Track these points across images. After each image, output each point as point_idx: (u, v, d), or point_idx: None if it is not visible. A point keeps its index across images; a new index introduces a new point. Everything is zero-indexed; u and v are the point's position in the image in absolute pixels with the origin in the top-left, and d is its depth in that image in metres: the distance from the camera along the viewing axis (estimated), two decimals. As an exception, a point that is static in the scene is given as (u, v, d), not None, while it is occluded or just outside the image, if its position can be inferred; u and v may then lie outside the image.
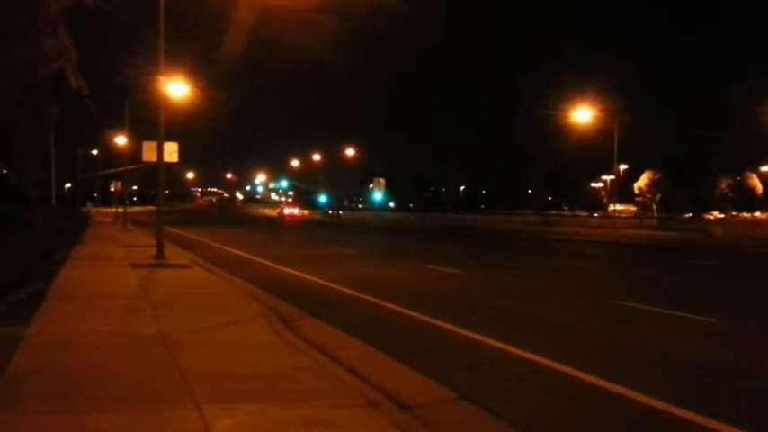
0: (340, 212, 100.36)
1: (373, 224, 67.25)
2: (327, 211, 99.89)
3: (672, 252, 30.66)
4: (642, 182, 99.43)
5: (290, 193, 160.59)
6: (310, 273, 16.73)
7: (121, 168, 48.86)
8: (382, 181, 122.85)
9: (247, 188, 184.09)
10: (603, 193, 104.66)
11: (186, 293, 11.95)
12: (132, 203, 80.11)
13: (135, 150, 35.58)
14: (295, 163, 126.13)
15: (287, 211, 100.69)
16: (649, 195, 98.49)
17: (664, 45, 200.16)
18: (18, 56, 10.03)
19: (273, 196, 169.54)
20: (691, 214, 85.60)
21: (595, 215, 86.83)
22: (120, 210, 50.33)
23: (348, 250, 26.05)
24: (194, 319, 9.31)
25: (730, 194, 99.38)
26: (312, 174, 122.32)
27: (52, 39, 10.54)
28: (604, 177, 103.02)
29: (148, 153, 19.25)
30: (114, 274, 14.81)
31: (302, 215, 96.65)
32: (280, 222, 68.90)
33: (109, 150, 58.95)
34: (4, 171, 14.05)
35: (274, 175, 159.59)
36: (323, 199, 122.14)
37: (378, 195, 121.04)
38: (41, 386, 5.89)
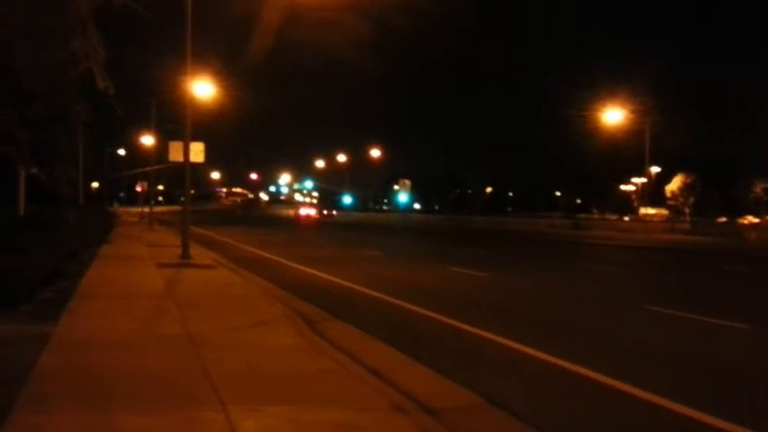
0: (334, 212, 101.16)
1: (398, 226, 67.15)
2: (322, 211, 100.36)
3: (705, 257, 30.12)
4: (674, 185, 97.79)
5: (315, 193, 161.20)
6: (334, 274, 16.69)
7: (148, 168, 49.39)
8: (408, 182, 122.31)
9: (272, 189, 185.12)
10: (634, 197, 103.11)
11: (211, 294, 11.99)
12: (158, 203, 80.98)
13: (161, 150, 36.02)
14: (320, 163, 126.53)
15: (303, 212, 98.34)
16: (682, 199, 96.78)
17: (698, 43, 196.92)
18: (47, 56, 10.14)
19: (298, 197, 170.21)
20: (724, 218, 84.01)
21: (626, 219, 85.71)
22: (146, 209, 50.88)
23: (373, 252, 26.00)
24: (219, 319, 9.33)
25: (765, 198, 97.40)
26: (337, 174, 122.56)
27: (81, 39, 10.63)
28: (635, 180, 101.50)
29: (175, 153, 19.38)
30: (140, 274, 14.93)
31: (325, 215, 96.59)
32: (300, 224, 69.05)
33: (135, 150, 59.67)
34: (35, 171, 14.23)
35: (299, 175, 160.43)
36: (347, 200, 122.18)
37: (403, 197, 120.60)
38: (69, 385, 5.92)
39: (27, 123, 10.72)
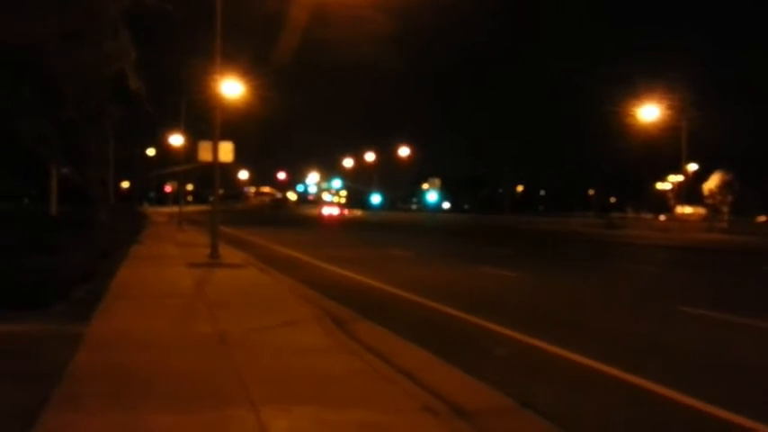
0: (346, 211, 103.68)
1: (427, 225, 67.02)
2: (342, 210, 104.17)
3: (743, 257, 29.48)
4: (712, 183, 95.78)
5: (343, 192, 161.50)
6: (363, 274, 16.66)
7: (177, 168, 49.85)
8: (437, 181, 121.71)
9: (300, 188, 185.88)
10: (671, 195, 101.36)
11: (240, 293, 12.04)
12: (187, 203, 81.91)
13: (190, 150, 36.29)
14: (348, 162, 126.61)
15: (326, 211, 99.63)
16: (719, 197, 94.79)
17: (737, 37, 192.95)
18: (79, 57, 10.25)
19: (326, 196, 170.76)
20: (764, 218, 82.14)
21: (662, 218, 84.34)
22: (176, 209, 51.38)
23: (401, 252, 25.92)
24: (249, 318, 9.34)
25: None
26: (365, 173, 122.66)
27: (113, 40, 10.74)
28: (672, 178, 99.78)
29: (204, 153, 19.51)
30: (171, 274, 15.06)
31: (343, 215, 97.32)
32: (327, 223, 69.27)
33: (165, 150, 60.22)
34: (67, 171, 14.47)
35: (327, 174, 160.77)
36: (376, 199, 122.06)
37: (432, 196, 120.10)
38: (101, 383, 5.96)
39: (59, 124, 10.86)
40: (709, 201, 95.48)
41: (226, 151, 19.36)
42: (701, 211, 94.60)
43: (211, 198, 22.22)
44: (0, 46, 9.80)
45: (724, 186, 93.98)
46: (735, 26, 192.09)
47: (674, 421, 5.85)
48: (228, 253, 20.35)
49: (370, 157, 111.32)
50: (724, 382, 7.12)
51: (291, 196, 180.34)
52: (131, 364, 6.64)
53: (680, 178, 73.68)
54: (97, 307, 9.76)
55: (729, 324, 10.65)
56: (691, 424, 5.78)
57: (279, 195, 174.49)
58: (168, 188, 60.20)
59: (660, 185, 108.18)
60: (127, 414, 5.10)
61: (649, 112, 48.39)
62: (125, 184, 71.70)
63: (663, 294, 15.18)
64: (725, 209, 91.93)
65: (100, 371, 6.41)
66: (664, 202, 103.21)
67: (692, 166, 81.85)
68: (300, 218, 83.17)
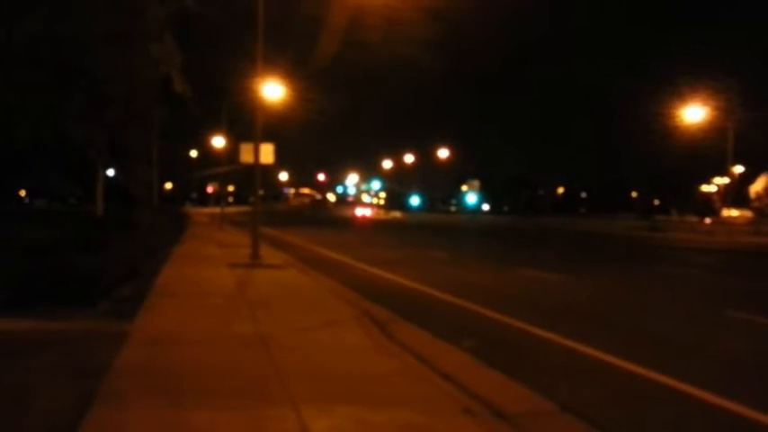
0: (367, 213, 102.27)
1: (466, 227, 66.68)
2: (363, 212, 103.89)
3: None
4: (759, 185, 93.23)
5: (382, 194, 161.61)
6: (402, 276, 16.64)
7: (219, 169, 50.49)
8: (476, 183, 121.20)
9: (339, 189, 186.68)
10: (716, 198, 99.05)
11: (281, 294, 12.15)
12: (228, 204, 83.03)
13: (232, 151, 36.73)
14: (387, 163, 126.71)
15: (359, 212, 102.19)
16: (766, 200, 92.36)
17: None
18: (126, 60, 10.48)
19: (365, 197, 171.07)
20: None
21: (707, 221, 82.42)
22: (217, 210, 52.06)
23: (441, 253, 25.82)
24: (289, 319, 9.43)
25: None
26: (405, 174, 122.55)
27: (159, 44, 10.94)
28: (717, 180, 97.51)
29: (246, 154, 19.71)
30: (212, 274, 15.27)
31: (374, 216, 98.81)
32: (360, 223, 69.67)
33: (206, 151, 61.04)
34: (113, 172, 14.82)
35: (366, 175, 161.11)
36: (415, 201, 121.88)
37: (471, 197, 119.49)
38: (145, 381, 6.08)
39: (106, 126, 11.10)
40: (756, 204, 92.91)
41: (266, 153, 19.53)
42: (747, 214, 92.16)
43: (252, 199, 22.43)
44: (49, 49, 10.08)
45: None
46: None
47: (715, 424, 5.74)
48: (269, 254, 20.55)
49: (409, 158, 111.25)
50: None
51: (331, 197, 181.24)
52: (174, 362, 6.76)
53: (725, 181, 71.95)
54: (141, 305, 9.95)
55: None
56: (732, 425, 5.66)
57: (318, 197, 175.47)
58: (210, 189, 61.00)
59: (705, 188, 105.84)
60: (170, 410, 5.20)
61: (694, 113, 47.30)
62: (168, 185, 73.06)
63: (708, 298, 14.83)
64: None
65: (144, 368, 6.53)
66: (709, 205, 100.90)
67: (738, 169, 79.74)
68: (340, 219, 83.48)
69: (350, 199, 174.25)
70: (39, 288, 9.22)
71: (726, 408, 6.12)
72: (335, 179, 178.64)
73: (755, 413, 5.94)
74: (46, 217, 32.23)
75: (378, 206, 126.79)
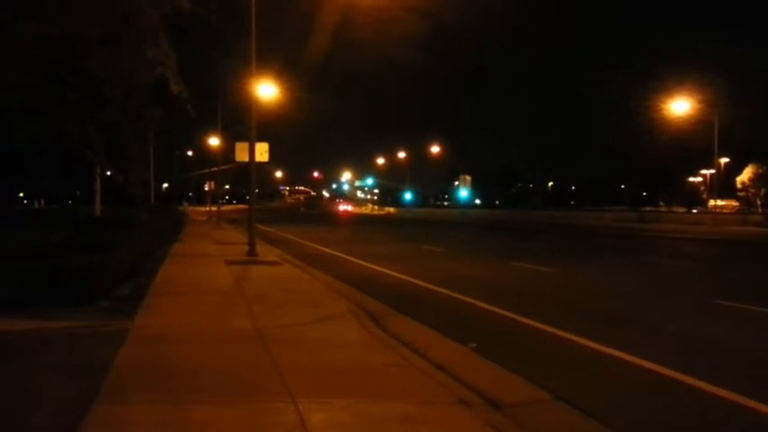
0: (349, 208, 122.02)
1: (459, 221, 66.83)
2: (344, 206, 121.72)
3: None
4: (745, 176, 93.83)
5: (376, 190, 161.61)
6: (397, 270, 16.77)
7: (215, 168, 50.57)
8: (468, 178, 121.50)
9: (333, 186, 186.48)
10: (703, 188, 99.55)
11: (277, 289, 12.26)
12: (225, 202, 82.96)
13: (227, 150, 36.83)
14: (380, 161, 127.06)
15: (342, 207, 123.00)
16: (753, 190, 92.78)
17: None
18: (121, 62, 10.57)
19: (359, 194, 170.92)
20: None
21: (694, 211, 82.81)
22: (214, 208, 52.12)
23: (435, 247, 25.99)
24: (286, 314, 9.54)
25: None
26: (397, 171, 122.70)
27: (154, 46, 11.04)
28: (704, 172, 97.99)
29: (241, 153, 19.86)
30: (210, 271, 15.37)
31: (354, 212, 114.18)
32: (343, 217, 71.40)
33: (203, 150, 61.08)
34: (109, 172, 14.90)
35: (360, 172, 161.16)
36: (408, 196, 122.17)
37: (463, 192, 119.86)
38: (145, 377, 6.17)
39: (103, 127, 11.19)
40: (742, 194, 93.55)
41: (261, 151, 19.67)
42: (734, 203, 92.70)
43: (248, 197, 22.55)
44: (45, 51, 10.16)
45: (757, 179, 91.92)
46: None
47: (708, 412, 5.88)
48: (265, 250, 20.65)
49: (402, 155, 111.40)
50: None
51: (326, 194, 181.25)
52: (174, 359, 6.86)
53: (712, 171, 72.23)
54: (141, 303, 10.04)
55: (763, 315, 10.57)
56: (722, 412, 5.81)
57: (313, 194, 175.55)
58: (207, 188, 61.11)
59: (692, 179, 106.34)
60: (170, 406, 5.29)
61: (680, 107, 47.66)
62: (165, 185, 72.97)
63: (698, 288, 15.03)
64: (758, 201, 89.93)
65: (144, 365, 6.64)
66: (696, 196, 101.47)
67: (724, 160, 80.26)
68: (333, 216, 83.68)
69: (339, 200, 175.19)
70: (39, 288, 9.31)
71: (715, 394, 6.25)
72: (330, 176, 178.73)
73: (741, 397, 6.07)
74: (45, 218, 32.23)
75: (372, 202, 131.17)
